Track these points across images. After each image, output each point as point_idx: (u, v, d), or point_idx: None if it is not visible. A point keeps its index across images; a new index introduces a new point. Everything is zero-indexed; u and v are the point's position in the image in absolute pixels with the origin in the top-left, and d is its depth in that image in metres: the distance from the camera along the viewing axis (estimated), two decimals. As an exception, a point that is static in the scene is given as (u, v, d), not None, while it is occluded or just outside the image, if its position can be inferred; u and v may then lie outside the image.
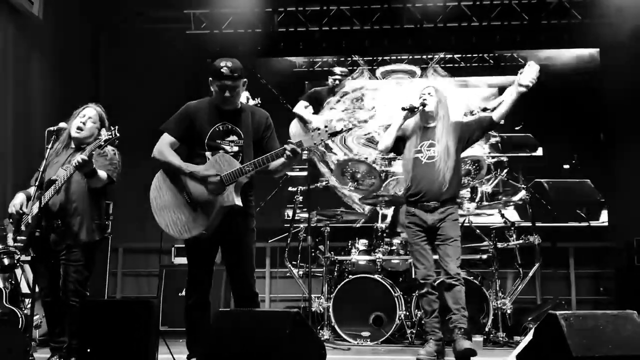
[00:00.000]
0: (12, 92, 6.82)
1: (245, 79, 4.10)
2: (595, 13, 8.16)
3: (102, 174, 4.41)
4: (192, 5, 8.47)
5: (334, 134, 3.91)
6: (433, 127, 4.93)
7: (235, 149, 3.99)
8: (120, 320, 3.48)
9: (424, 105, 4.88)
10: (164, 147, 4.05)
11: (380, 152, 5.41)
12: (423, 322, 5.11)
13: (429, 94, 4.97)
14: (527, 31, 8.32)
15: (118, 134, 4.18)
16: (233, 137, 4.00)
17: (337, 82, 7.25)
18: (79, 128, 4.51)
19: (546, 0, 8.24)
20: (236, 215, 3.98)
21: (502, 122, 4.96)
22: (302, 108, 7.06)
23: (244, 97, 6.54)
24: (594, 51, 8.33)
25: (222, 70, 3.94)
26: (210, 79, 4.04)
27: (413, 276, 5.30)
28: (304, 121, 6.70)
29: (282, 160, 3.95)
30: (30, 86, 7.21)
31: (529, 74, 4.76)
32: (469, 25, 8.30)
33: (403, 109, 4.89)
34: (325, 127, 3.89)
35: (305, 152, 5.22)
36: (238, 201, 3.90)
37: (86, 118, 4.53)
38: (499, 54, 8.43)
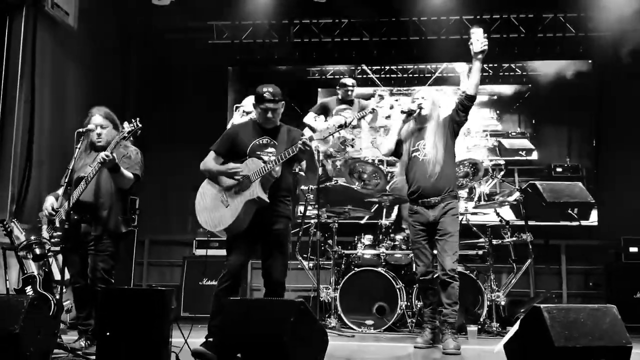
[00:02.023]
0: (49, 98, 6.88)
1: (283, 102, 4.33)
2: (588, 27, 8.15)
3: (128, 174, 4.47)
4: (215, 16, 8.52)
5: (340, 127, 4.18)
6: (425, 127, 4.92)
7: (272, 158, 4.19)
8: (137, 307, 3.53)
9: (420, 108, 4.87)
10: (208, 160, 4.35)
11: (384, 156, 5.34)
12: (422, 311, 5.16)
13: (423, 97, 4.95)
14: (525, 44, 8.31)
15: (140, 125, 4.28)
16: (271, 150, 4.25)
17: (348, 93, 7.26)
18: (98, 140, 4.54)
19: (542, 15, 8.23)
20: (274, 215, 4.22)
21: (476, 92, 4.83)
22: (311, 118, 7.08)
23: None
24: (587, 62, 8.28)
25: (264, 95, 4.23)
26: (254, 102, 4.34)
27: (414, 270, 5.31)
28: (312, 130, 6.73)
29: (304, 163, 4.37)
30: (65, 93, 7.25)
31: (477, 40, 4.65)
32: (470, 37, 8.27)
33: (402, 112, 4.91)
34: (333, 124, 4.20)
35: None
36: (262, 194, 4.11)
37: (98, 125, 4.55)
38: (498, 65, 8.41)
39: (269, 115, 4.23)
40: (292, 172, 4.39)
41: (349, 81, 7.32)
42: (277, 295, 4.21)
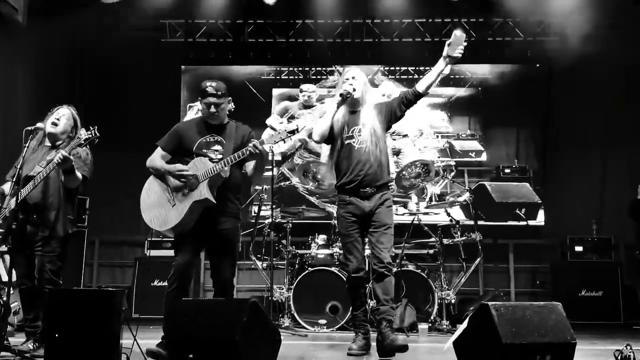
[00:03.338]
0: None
1: (229, 97, 4.34)
2: (536, 31, 8.35)
3: (78, 174, 4.41)
4: (168, 15, 8.41)
5: (291, 132, 4.16)
6: (359, 111, 4.51)
7: (220, 156, 4.17)
8: (86, 308, 3.46)
9: (354, 90, 4.44)
10: (155, 156, 4.29)
11: (317, 143, 4.81)
12: (352, 315, 4.63)
13: (353, 77, 4.54)
14: (475, 47, 8.44)
15: (98, 134, 4.25)
16: (217, 147, 4.22)
17: (307, 98, 7.30)
18: (53, 123, 4.52)
19: (492, 20, 8.39)
20: (222, 214, 4.17)
21: (426, 92, 4.45)
22: (274, 120, 7.11)
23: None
24: (535, 65, 8.48)
25: (207, 89, 4.20)
26: (199, 98, 4.29)
27: (346, 267, 4.55)
28: (274, 130, 6.76)
29: (252, 163, 4.26)
30: (13, 90, 7.08)
31: (457, 45, 4.28)
32: (422, 40, 8.41)
33: (341, 95, 4.41)
34: (284, 128, 4.17)
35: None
36: (209, 195, 4.07)
37: (60, 115, 4.55)
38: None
39: (212, 109, 4.19)
40: (241, 171, 4.32)
41: (308, 87, 7.35)
42: (227, 294, 4.19)
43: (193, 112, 5.97)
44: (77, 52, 8.55)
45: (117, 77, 8.43)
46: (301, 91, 7.26)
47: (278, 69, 8.64)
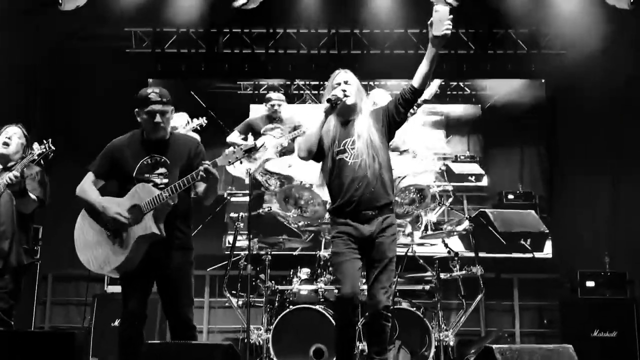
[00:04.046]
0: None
1: (173, 107, 4.16)
2: (541, 44, 8.45)
3: (32, 197, 4.36)
4: (134, 23, 8.42)
5: (248, 151, 3.97)
6: (352, 120, 4.25)
7: (165, 180, 4.00)
8: (39, 353, 3.41)
9: (346, 96, 4.18)
10: (86, 185, 4.10)
11: (303, 159, 4.36)
12: None
13: (345, 82, 4.29)
14: (474, 61, 8.54)
15: (53, 147, 4.18)
16: (162, 170, 4.04)
17: (275, 108, 7.26)
18: (5, 144, 4.50)
19: (493, 31, 8.49)
20: (171, 247, 4.03)
21: (424, 86, 4.21)
22: (235, 137, 7.06)
23: (183, 119, 6.52)
24: (540, 81, 8.58)
25: (150, 96, 4.02)
26: (137, 109, 4.09)
27: (335, 292, 4.46)
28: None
29: (204, 184, 4.05)
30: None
31: (440, 21, 4.01)
32: (416, 52, 8.47)
33: (329, 101, 4.13)
34: (240, 146, 3.97)
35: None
36: (156, 229, 3.91)
37: (11, 134, 4.53)
38: (446, 83, 8.60)
39: (158, 119, 4.00)
40: (190, 195, 4.16)
41: (275, 95, 7.31)
42: (188, 337, 4.03)
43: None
44: (32, 63, 8.50)
45: (76, 91, 8.39)
46: (267, 100, 7.20)
47: (256, 82, 8.66)
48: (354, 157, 4.15)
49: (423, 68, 4.16)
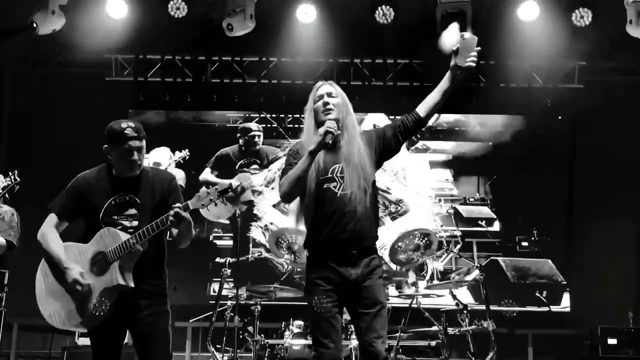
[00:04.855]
0: None
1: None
2: (558, 77, 8.55)
3: (1, 240, 4.34)
4: (114, 49, 8.49)
5: (223, 192, 3.81)
6: (338, 141, 3.94)
7: (135, 223, 3.91)
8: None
9: (337, 120, 3.90)
10: (47, 230, 3.94)
11: (284, 202, 4.13)
12: None
13: (329, 94, 4.03)
14: (484, 94, 8.59)
15: (18, 179, 4.17)
16: (132, 211, 3.94)
17: (255, 140, 7.29)
18: None
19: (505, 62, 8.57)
20: (141, 297, 3.93)
21: (430, 118, 4.01)
22: (207, 174, 7.06)
23: (166, 153, 6.54)
24: (557, 117, 8.66)
25: (126, 131, 3.86)
26: (109, 145, 3.96)
27: (314, 353, 3.92)
28: (208, 187, 6.75)
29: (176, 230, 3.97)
30: None
31: (468, 52, 3.85)
32: (422, 84, 8.50)
33: (328, 132, 3.79)
34: (215, 187, 3.83)
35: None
36: (121, 280, 3.80)
37: None
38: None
39: (135, 157, 3.88)
40: (163, 238, 4.04)
41: (255, 126, 7.36)
42: None
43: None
44: (1, 91, 8.56)
45: (50, 122, 8.43)
46: (244, 132, 7.19)
47: (247, 115, 8.71)
48: (343, 189, 3.88)
49: (433, 98, 3.97)
